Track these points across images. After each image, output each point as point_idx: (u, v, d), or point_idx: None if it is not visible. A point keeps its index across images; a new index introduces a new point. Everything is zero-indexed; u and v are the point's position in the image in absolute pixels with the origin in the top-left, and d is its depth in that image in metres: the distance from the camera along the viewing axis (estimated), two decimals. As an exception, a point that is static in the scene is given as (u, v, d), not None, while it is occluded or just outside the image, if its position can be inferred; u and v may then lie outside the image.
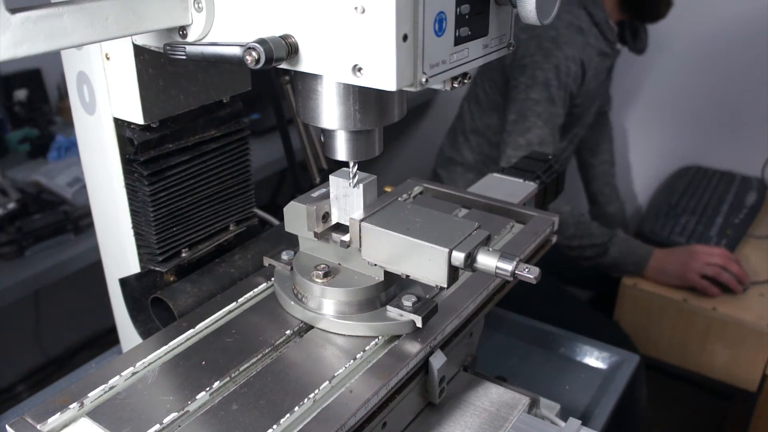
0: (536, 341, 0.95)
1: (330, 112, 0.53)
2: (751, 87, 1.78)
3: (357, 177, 0.59)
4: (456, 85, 0.52)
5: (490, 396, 0.67)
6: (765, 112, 1.78)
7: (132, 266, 0.70)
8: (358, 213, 0.59)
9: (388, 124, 0.56)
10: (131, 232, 0.69)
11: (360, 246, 0.59)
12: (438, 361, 0.61)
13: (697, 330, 1.40)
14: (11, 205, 1.61)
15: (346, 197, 0.60)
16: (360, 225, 0.58)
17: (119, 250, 0.71)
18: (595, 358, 0.91)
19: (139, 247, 0.69)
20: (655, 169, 1.77)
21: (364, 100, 0.52)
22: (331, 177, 0.60)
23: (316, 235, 0.61)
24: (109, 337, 0.85)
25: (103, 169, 0.68)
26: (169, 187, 0.67)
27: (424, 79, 0.46)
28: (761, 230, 1.60)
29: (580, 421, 0.63)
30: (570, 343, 0.93)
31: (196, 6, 0.52)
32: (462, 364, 0.71)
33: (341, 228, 0.61)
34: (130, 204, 0.67)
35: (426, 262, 0.55)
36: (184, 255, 0.71)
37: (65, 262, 1.57)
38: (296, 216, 0.62)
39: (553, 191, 1.04)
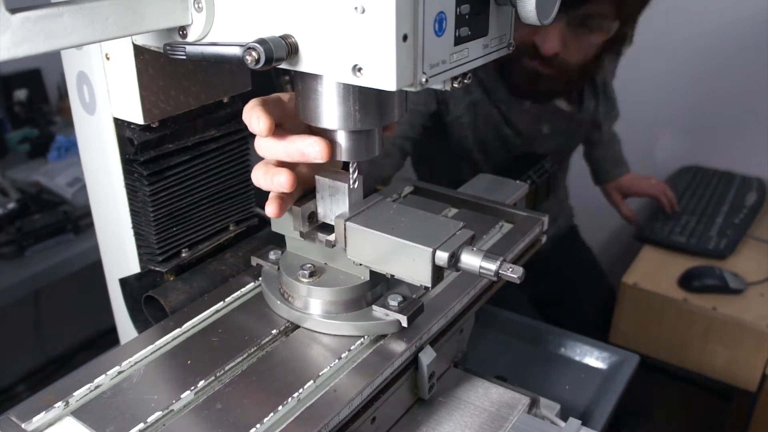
0: (536, 341, 0.95)
1: (330, 112, 0.53)
2: (751, 87, 1.78)
3: (342, 176, 0.59)
4: (456, 85, 0.52)
5: (490, 396, 0.67)
6: (765, 112, 1.78)
7: (132, 266, 0.70)
8: (344, 213, 0.59)
9: (388, 124, 0.56)
10: (131, 232, 0.69)
11: (345, 246, 0.59)
12: (427, 357, 0.61)
13: (697, 330, 1.40)
14: (11, 205, 1.61)
15: (332, 197, 0.60)
16: (345, 225, 0.58)
17: (119, 250, 0.71)
18: (595, 358, 0.91)
19: (139, 247, 0.69)
20: (655, 169, 1.77)
21: (364, 100, 0.53)
22: (317, 177, 0.60)
23: (301, 234, 0.62)
24: (109, 337, 0.85)
25: (103, 169, 0.68)
26: (169, 187, 0.67)
27: (424, 79, 0.46)
28: (761, 230, 1.60)
29: (580, 421, 0.63)
30: (570, 343, 0.93)
31: (196, 6, 0.52)
32: (452, 361, 0.71)
33: (327, 227, 0.62)
34: (130, 204, 0.67)
35: (410, 262, 0.55)
36: (184, 255, 0.71)
37: (65, 262, 1.57)
38: (283, 216, 0.62)
39: (545, 192, 1.04)
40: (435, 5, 0.45)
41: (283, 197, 0.59)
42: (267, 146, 0.57)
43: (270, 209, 0.58)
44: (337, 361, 0.58)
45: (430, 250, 0.54)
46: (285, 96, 0.60)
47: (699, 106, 1.89)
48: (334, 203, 0.60)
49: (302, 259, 0.64)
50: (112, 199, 0.68)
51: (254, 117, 0.54)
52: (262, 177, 0.57)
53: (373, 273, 0.60)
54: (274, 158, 0.57)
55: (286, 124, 0.58)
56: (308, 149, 0.54)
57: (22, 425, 0.51)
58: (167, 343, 0.61)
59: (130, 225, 0.68)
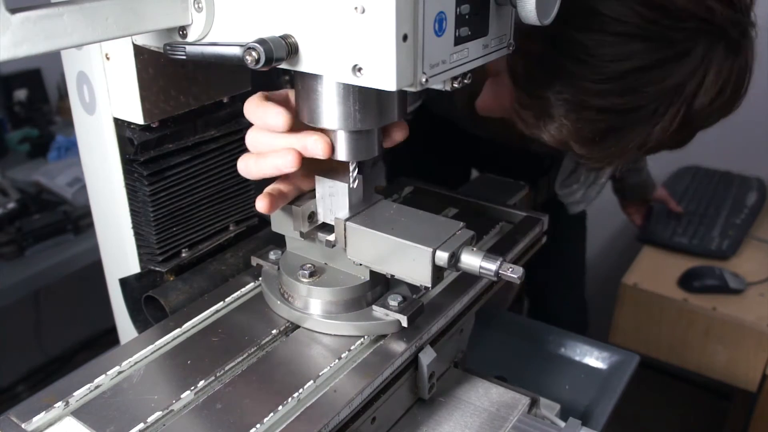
0: (536, 341, 0.95)
1: (330, 112, 0.53)
2: (751, 87, 1.78)
3: (342, 176, 0.59)
4: (456, 85, 0.52)
5: (490, 396, 0.67)
6: (765, 112, 1.78)
7: (132, 266, 0.70)
8: (344, 213, 0.59)
9: (388, 123, 0.56)
10: (131, 232, 0.69)
11: (345, 246, 0.59)
12: (427, 357, 0.61)
13: (697, 330, 1.40)
14: (11, 205, 1.62)
15: (332, 197, 0.60)
16: (345, 225, 0.58)
17: (119, 250, 0.71)
18: (595, 358, 0.91)
19: (139, 247, 0.69)
20: (654, 169, 1.76)
21: (364, 100, 0.52)
22: (317, 177, 0.60)
23: (302, 234, 0.62)
24: (109, 337, 0.85)
25: (103, 169, 0.68)
26: (169, 187, 0.67)
27: (424, 79, 0.46)
28: (762, 231, 1.60)
29: (580, 421, 0.63)
30: (570, 343, 0.93)
31: (196, 6, 0.52)
32: (452, 361, 0.71)
33: (327, 228, 0.62)
34: (130, 204, 0.67)
35: (410, 262, 0.55)
36: (184, 255, 0.71)
37: (65, 262, 1.58)
38: (283, 215, 0.62)
39: (545, 191, 1.04)
40: (435, 5, 0.45)
41: (275, 194, 0.59)
42: (268, 140, 0.56)
43: (261, 204, 0.58)
44: (337, 361, 0.58)
45: (430, 250, 0.54)
46: (290, 93, 0.60)
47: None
48: (334, 203, 0.60)
49: (302, 259, 0.64)
50: (112, 199, 0.68)
51: (271, 111, 0.54)
52: (254, 163, 0.57)
53: (373, 273, 0.60)
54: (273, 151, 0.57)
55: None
56: (312, 145, 0.54)
57: (22, 425, 0.51)
58: (167, 343, 0.61)
59: (130, 225, 0.68)
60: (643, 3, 0.61)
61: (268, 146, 0.56)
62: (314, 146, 0.54)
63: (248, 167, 0.58)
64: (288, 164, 0.55)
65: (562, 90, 0.65)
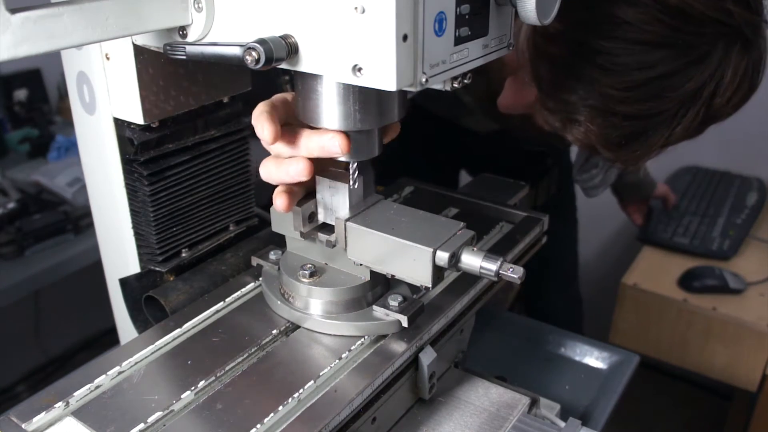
0: (536, 341, 0.95)
1: (330, 112, 0.53)
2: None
3: (342, 176, 0.59)
4: (456, 85, 0.52)
5: (490, 396, 0.67)
6: (765, 112, 1.78)
7: (132, 266, 0.70)
8: (344, 213, 0.59)
9: (388, 123, 0.56)
10: (131, 232, 0.69)
11: (345, 246, 0.59)
12: (428, 357, 0.61)
13: (697, 330, 1.40)
14: (11, 205, 1.62)
15: (332, 197, 0.60)
16: (345, 225, 0.58)
17: (119, 250, 0.71)
18: (595, 358, 0.91)
19: (139, 247, 0.69)
20: (655, 169, 1.77)
21: (364, 100, 0.52)
22: (317, 177, 0.60)
23: (302, 234, 0.62)
24: (109, 337, 0.85)
25: (103, 169, 0.68)
26: (169, 187, 0.67)
27: (424, 79, 0.46)
28: (762, 231, 1.60)
29: (580, 421, 0.63)
30: (570, 343, 0.93)
31: (196, 6, 0.52)
32: (453, 361, 0.71)
33: (328, 228, 0.62)
34: (130, 204, 0.67)
35: (410, 262, 0.55)
36: (184, 255, 0.71)
37: (65, 262, 1.57)
38: (283, 216, 0.62)
39: (545, 191, 1.04)
40: (435, 5, 0.45)
41: (290, 191, 0.59)
42: (284, 144, 0.56)
43: (279, 202, 0.58)
44: (337, 361, 0.58)
45: (431, 250, 0.54)
46: (289, 96, 0.60)
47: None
48: (334, 203, 0.60)
49: (302, 259, 0.64)
50: (112, 199, 0.68)
51: (259, 125, 0.54)
52: (275, 169, 0.57)
53: (373, 273, 0.60)
54: (292, 155, 0.57)
55: (295, 123, 0.58)
56: (329, 144, 0.54)
57: (23, 425, 0.51)
58: (167, 343, 0.61)
59: (130, 225, 0.68)
60: (664, 10, 0.62)
61: (286, 149, 0.57)
62: (331, 144, 0.54)
63: (269, 173, 0.58)
64: (301, 173, 0.55)
65: (588, 96, 0.66)
